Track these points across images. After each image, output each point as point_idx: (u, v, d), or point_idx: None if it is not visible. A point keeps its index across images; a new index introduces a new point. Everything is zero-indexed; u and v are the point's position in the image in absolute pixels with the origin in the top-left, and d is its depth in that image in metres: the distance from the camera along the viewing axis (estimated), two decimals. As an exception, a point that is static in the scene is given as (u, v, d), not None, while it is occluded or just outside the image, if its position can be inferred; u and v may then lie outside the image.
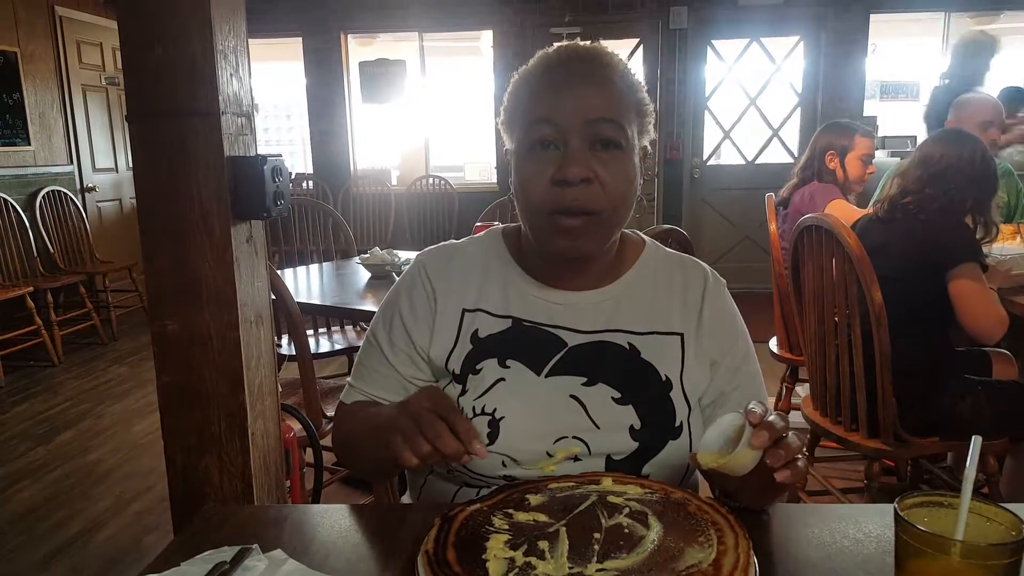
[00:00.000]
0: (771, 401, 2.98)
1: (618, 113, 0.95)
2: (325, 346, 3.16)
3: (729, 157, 6.34)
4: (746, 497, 0.89)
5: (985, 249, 2.08)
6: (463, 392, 1.01)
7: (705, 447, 0.83)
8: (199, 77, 1.20)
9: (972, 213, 2.07)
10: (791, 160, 6.05)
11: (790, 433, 0.79)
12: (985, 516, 0.66)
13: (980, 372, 2.12)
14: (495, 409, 0.98)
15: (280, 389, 1.42)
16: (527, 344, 1.03)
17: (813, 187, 2.91)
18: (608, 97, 0.95)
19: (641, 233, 1.14)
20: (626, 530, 0.79)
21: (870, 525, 0.88)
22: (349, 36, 6.61)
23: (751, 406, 0.80)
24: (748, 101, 6.11)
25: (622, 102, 0.96)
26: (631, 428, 0.98)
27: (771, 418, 0.78)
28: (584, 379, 1.00)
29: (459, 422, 0.82)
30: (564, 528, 0.80)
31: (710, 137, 6.26)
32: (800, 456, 0.79)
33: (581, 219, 0.94)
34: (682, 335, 1.05)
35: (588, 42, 1.01)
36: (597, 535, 0.78)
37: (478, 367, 1.01)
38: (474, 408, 0.99)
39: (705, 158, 6.26)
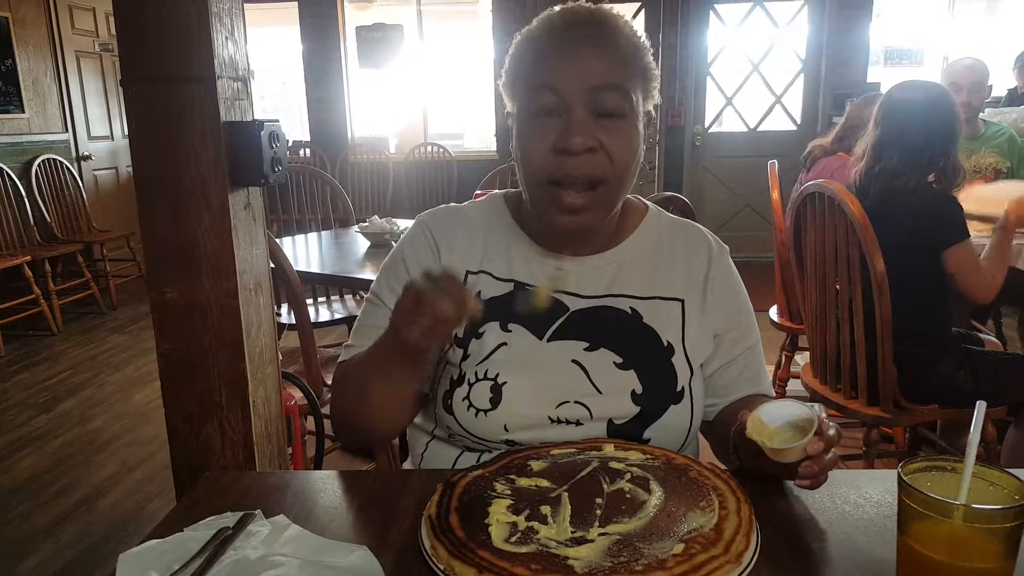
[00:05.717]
0: (770, 370, 2.98)
1: (624, 79, 0.92)
2: (324, 315, 3.16)
3: (731, 124, 6.28)
4: (757, 467, 0.88)
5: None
6: (465, 357, 1.01)
7: (765, 418, 0.83)
8: (194, 40, 1.18)
9: (943, 166, 2.01)
10: (794, 127, 6.00)
11: (832, 452, 0.79)
12: (988, 480, 0.65)
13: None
14: (497, 374, 0.98)
15: (280, 357, 1.42)
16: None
17: (842, 163, 2.74)
18: (613, 62, 0.92)
19: (643, 199, 1.13)
20: (628, 495, 0.79)
21: (870, 490, 0.88)
22: (345, 0, 6.50)
23: (822, 413, 0.80)
24: (751, 67, 6.03)
25: (628, 67, 0.93)
26: (632, 393, 0.98)
27: (831, 432, 0.79)
28: (586, 344, 1.00)
29: (453, 284, 0.80)
30: (566, 493, 0.80)
31: (712, 104, 6.19)
32: (829, 471, 0.80)
33: (585, 194, 0.92)
34: (683, 301, 1.04)
35: (592, 3, 0.97)
36: (599, 500, 0.78)
37: (480, 331, 1.01)
38: (476, 373, 0.99)
39: (707, 125, 6.20)
